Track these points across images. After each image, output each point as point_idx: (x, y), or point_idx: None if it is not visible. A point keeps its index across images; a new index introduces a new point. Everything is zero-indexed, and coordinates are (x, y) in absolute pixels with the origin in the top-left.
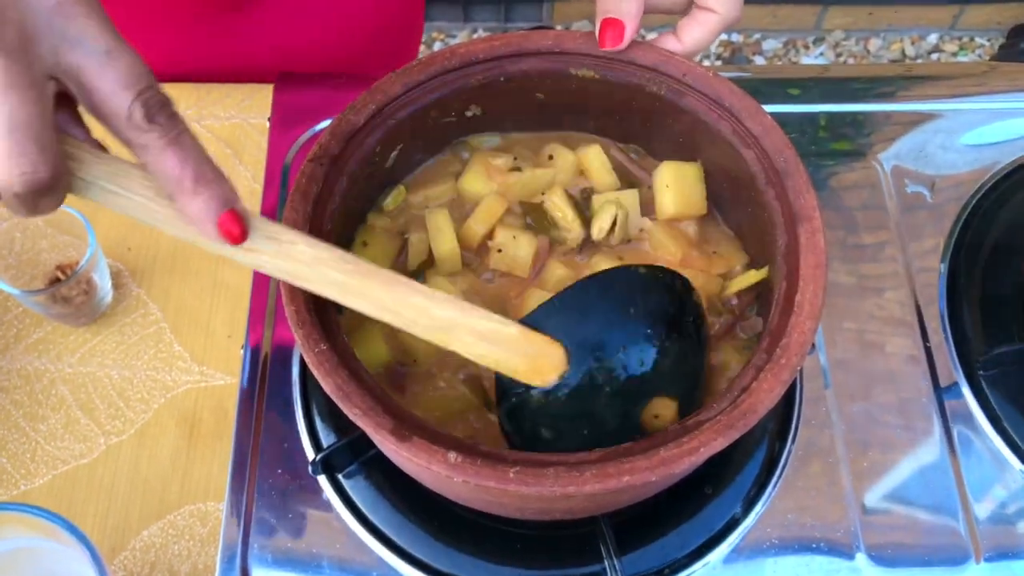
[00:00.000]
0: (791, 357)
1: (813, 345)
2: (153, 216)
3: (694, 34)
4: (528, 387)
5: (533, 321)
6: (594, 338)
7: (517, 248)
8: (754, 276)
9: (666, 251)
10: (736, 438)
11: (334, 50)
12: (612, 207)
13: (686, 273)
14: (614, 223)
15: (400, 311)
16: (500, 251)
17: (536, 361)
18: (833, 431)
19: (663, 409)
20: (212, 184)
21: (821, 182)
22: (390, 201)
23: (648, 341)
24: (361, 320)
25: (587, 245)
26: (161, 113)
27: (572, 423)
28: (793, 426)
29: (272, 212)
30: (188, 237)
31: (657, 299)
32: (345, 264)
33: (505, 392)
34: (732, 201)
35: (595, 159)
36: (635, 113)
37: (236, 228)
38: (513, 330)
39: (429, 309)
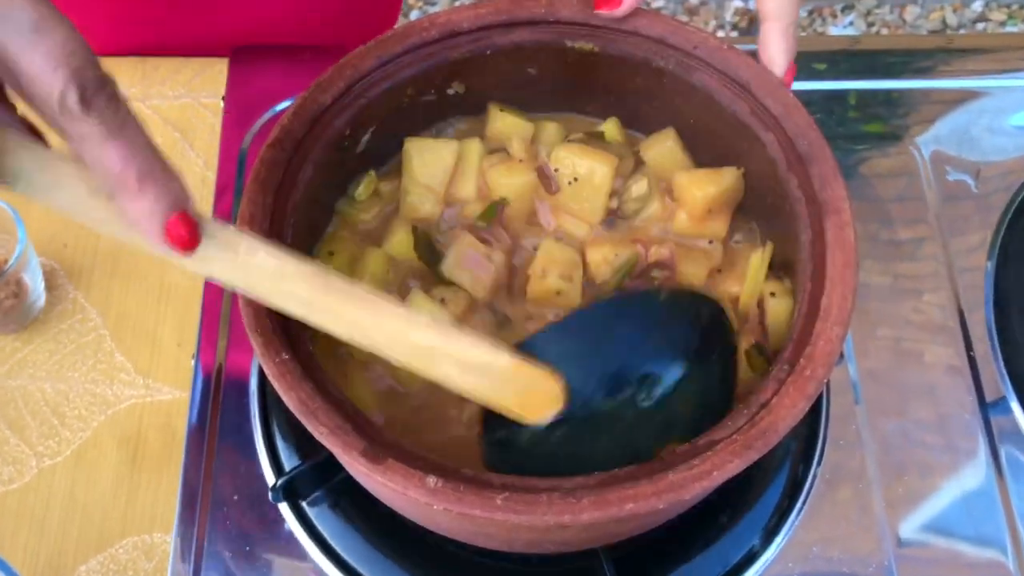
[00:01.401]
0: (817, 368)
1: (842, 355)
2: (90, 216)
3: (771, 48)
4: (519, 424)
5: (532, 346)
6: (600, 372)
7: None
8: (758, 262)
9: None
10: (754, 460)
11: (299, 19)
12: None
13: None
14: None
15: (374, 335)
16: None
17: (530, 396)
18: (864, 452)
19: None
20: (160, 182)
21: (851, 169)
22: (361, 190)
23: (664, 379)
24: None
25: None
26: (99, 96)
27: (568, 466)
28: (819, 447)
29: (227, 205)
30: (130, 241)
31: (679, 331)
32: (313, 278)
33: (491, 424)
34: (748, 191)
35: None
36: (639, 91)
37: (186, 234)
38: (504, 361)
39: (407, 334)
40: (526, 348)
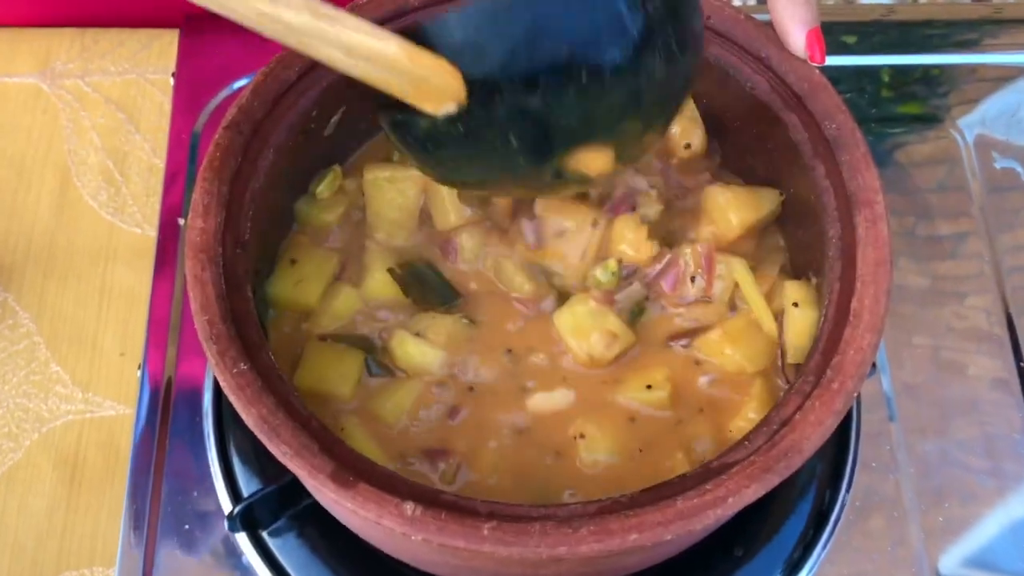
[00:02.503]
0: (846, 380)
1: (874, 365)
2: None
3: (781, 13)
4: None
5: (433, 33)
6: (507, 61)
7: None
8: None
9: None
10: (775, 485)
11: None
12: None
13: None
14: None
15: (242, 9)
16: None
17: (425, 87)
18: (899, 476)
19: (593, 161)
20: None
21: (884, 155)
22: (323, 188)
23: (588, 68)
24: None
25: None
26: None
27: (470, 158)
28: (848, 470)
29: (177, 195)
30: None
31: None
32: None
33: (386, 101)
34: (769, 180)
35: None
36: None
37: None
38: (393, 50)
39: (280, 14)
40: (428, 31)
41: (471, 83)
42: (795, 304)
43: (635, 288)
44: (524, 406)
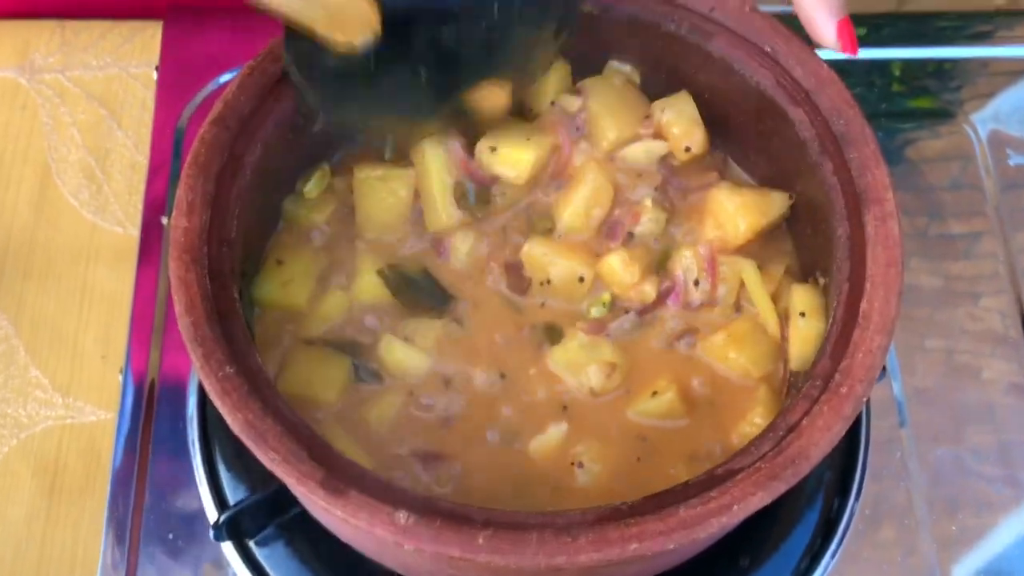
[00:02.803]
0: (855, 385)
1: (884, 369)
2: None
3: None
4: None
5: None
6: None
7: None
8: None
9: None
10: (781, 493)
11: None
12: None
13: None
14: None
15: None
16: None
17: (339, 15)
18: (911, 485)
19: (492, 97)
20: None
21: (895, 152)
22: (312, 187)
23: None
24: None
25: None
26: None
27: (376, 95)
28: (857, 478)
29: (160, 192)
30: None
31: None
32: None
33: (293, 34)
34: (775, 177)
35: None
36: (647, 61)
37: None
38: None
39: None
40: None
41: (387, 12)
42: (802, 314)
43: (629, 317)
44: (523, 443)
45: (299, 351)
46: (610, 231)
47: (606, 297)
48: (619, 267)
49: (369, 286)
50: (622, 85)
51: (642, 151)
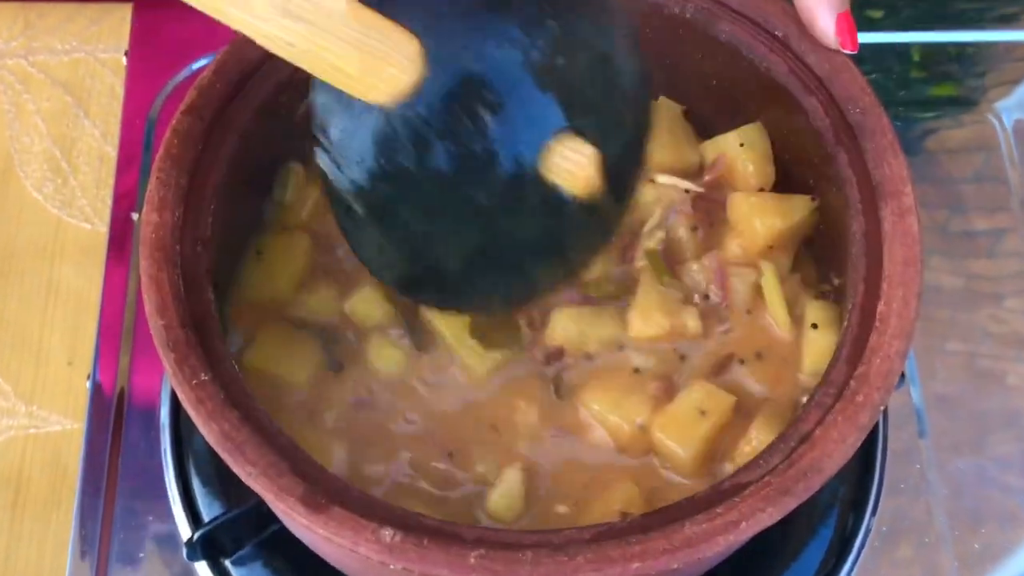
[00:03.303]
0: (871, 392)
1: (903, 375)
2: None
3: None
4: (360, 112)
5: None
6: (470, 28)
7: None
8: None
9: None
10: (792, 508)
11: None
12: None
13: None
14: None
15: None
16: None
17: (372, 60)
18: (931, 498)
19: (571, 151)
20: None
21: (914, 142)
22: (290, 193)
23: (549, 38)
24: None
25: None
26: None
27: (425, 171)
28: (873, 491)
29: (130, 186)
30: None
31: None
32: None
33: (322, 118)
34: (786, 171)
35: None
36: (648, 47)
37: None
38: (338, 3)
39: None
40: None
41: (434, 59)
42: (814, 325)
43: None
44: None
45: (272, 326)
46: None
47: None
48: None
49: (368, 302)
50: (670, 114)
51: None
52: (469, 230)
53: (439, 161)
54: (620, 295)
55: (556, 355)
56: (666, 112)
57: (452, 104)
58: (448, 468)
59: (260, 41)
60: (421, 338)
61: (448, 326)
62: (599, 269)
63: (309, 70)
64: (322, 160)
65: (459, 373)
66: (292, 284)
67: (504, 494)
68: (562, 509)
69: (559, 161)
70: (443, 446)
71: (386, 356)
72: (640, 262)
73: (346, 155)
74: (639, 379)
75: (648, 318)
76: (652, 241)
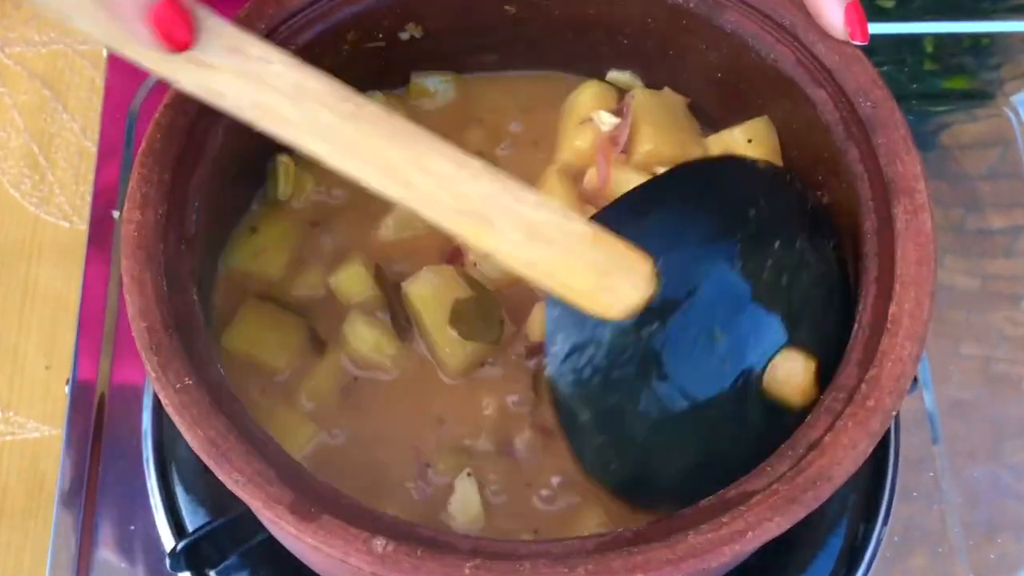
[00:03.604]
0: (883, 397)
1: (915, 379)
2: (77, 14)
3: None
4: (592, 326)
5: (605, 220)
6: (694, 250)
7: None
8: None
9: None
10: (801, 518)
11: None
12: None
13: None
14: None
15: (415, 180)
16: None
17: (608, 278)
18: (944, 507)
19: (794, 365)
20: None
21: (927, 137)
22: (282, 189)
23: (774, 258)
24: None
25: None
26: None
27: (658, 384)
28: (885, 500)
29: (110, 181)
30: (111, 40)
31: (786, 202)
32: (343, 102)
33: (554, 331)
34: (793, 168)
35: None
36: (650, 37)
37: (179, 25)
38: (581, 227)
39: (458, 182)
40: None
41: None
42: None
43: None
44: None
45: (252, 306)
46: None
47: None
48: None
49: (354, 278)
50: (674, 104)
51: None
52: (690, 440)
53: (668, 373)
54: None
55: (536, 350)
56: (670, 104)
57: (684, 320)
58: (419, 467)
59: (500, 259)
60: (403, 324)
61: (428, 312)
62: None
63: (543, 286)
64: (552, 367)
65: (436, 362)
66: (283, 264)
67: (463, 501)
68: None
69: (782, 375)
70: (414, 442)
71: (362, 335)
72: None
73: (578, 367)
74: None
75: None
76: None
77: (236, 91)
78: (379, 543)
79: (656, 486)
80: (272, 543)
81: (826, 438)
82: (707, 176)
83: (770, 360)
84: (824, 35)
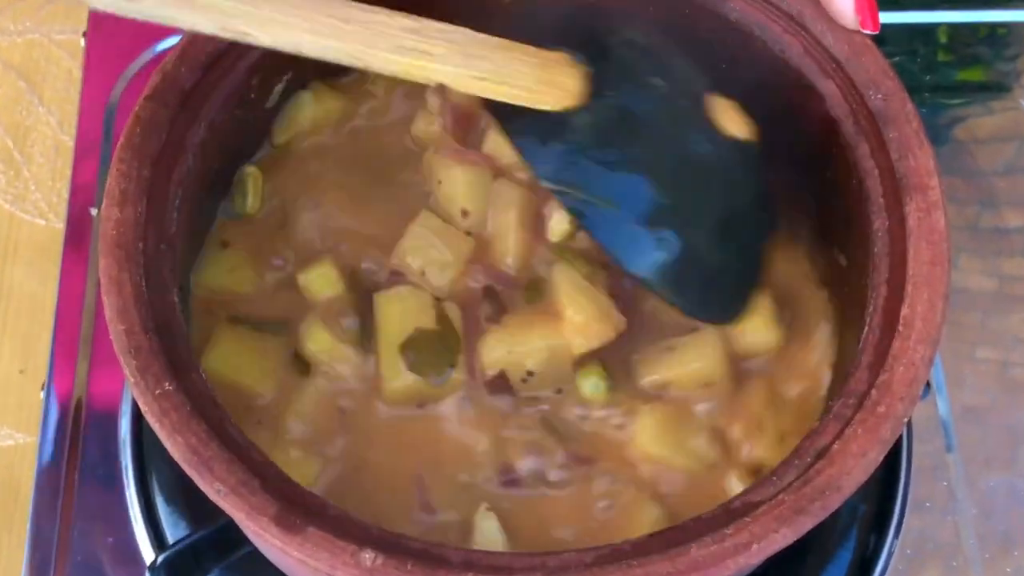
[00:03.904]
0: (894, 403)
1: (928, 384)
2: None
3: None
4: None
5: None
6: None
7: None
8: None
9: None
10: (808, 529)
11: None
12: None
13: None
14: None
15: (346, 31)
16: None
17: (547, 71)
18: (959, 518)
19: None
20: None
21: (941, 131)
22: (250, 200)
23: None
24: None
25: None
26: None
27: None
28: (896, 511)
29: (88, 177)
30: None
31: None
32: None
33: (534, 155)
34: (800, 164)
35: None
36: (653, 27)
37: None
38: (498, 40)
39: (384, 28)
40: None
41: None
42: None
43: None
44: None
45: (227, 330)
46: None
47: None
48: None
49: (322, 278)
50: None
51: None
52: (698, 189)
53: (641, 133)
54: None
55: (496, 383)
56: None
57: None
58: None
59: (453, 83)
60: (369, 333)
61: (386, 327)
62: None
63: (500, 96)
64: (544, 172)
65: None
66: (257, 279)
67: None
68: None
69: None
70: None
71: (316, 336)
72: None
73: (566, 160)
74: None
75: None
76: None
77: None
78: (368, 556)
79: (695, 260)
80: (257, 556)
81: (835, 446)
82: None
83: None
84: (833, 24)
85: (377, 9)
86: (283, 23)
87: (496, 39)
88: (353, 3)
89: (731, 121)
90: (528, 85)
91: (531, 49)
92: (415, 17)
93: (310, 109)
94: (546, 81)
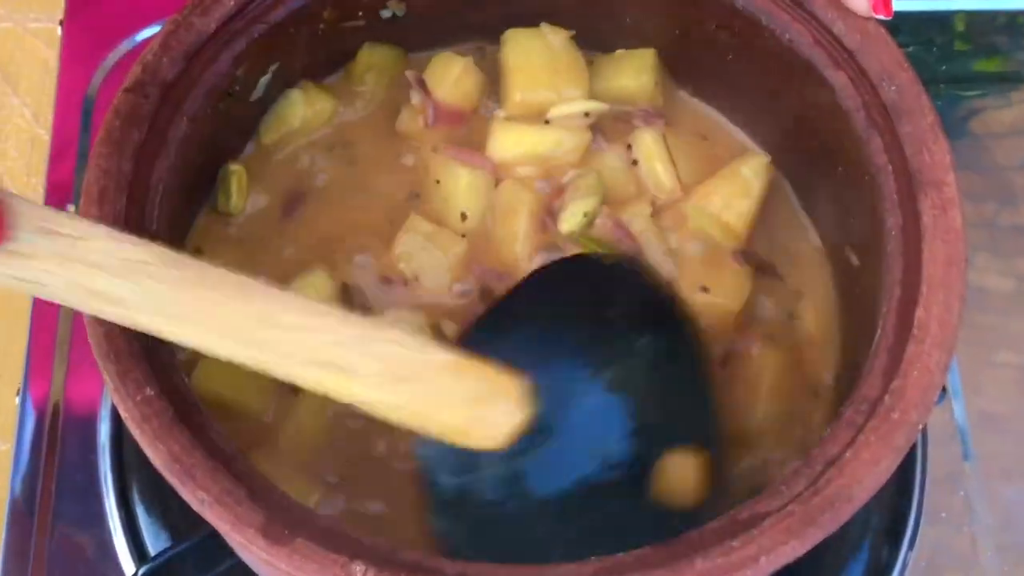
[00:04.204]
0: (908, 409)
1: (944, 390)
2: None
3: None
4: (472, 459)
5: (470, 344)
6: (560, 365)
7: None
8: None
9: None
10: (819, 541)
11: None
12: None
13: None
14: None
15: (264, 338)
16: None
17: (480, 407)
18: (976, 529)
19: (685, 468)
20: None
21: (957, 124)
22: (233, 200)
23: (642, 357)
24: None
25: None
26: None
27: (549, 512)
28: (911, 521)
29: (65, 174)
30: None
31: (639, 295)
32: (171, 269)
33: (435, 476)
34: (810, 159)
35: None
36: (655, 19)
37: None
38: (442, 357)
39: (308, 332)
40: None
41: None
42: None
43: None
44: None
45: None
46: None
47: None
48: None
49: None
50: (553, 42)
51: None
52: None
53: (546, 496)
54: None
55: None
56: (547, 43)
57: (560, 442)
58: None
59: (367, 408)
60: None
61: None
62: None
63: (415, 428)
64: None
65: None
66: None
67: None
68: None
69: (674, 479)
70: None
71: None
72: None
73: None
74: None
75: None
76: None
77: (55, 280)
78: (358, 568)
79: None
80: (242, 568)
81: (846, 454)
82: (558, 283)
83: (654, 465)
84: (844, 11)
85: (316, 310)
86: (200, 323)
87: (443, 357)
88: (294, 301)
89: (680, 481)
90: (454, 422)
91: (484, 371)
92: (358, 321)
93: (300, 109)
94: (478, 419)
